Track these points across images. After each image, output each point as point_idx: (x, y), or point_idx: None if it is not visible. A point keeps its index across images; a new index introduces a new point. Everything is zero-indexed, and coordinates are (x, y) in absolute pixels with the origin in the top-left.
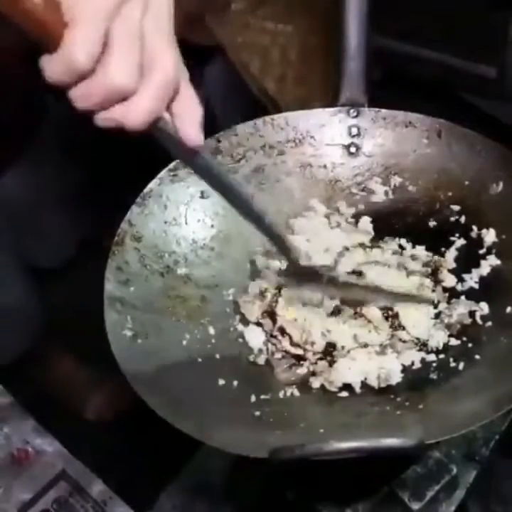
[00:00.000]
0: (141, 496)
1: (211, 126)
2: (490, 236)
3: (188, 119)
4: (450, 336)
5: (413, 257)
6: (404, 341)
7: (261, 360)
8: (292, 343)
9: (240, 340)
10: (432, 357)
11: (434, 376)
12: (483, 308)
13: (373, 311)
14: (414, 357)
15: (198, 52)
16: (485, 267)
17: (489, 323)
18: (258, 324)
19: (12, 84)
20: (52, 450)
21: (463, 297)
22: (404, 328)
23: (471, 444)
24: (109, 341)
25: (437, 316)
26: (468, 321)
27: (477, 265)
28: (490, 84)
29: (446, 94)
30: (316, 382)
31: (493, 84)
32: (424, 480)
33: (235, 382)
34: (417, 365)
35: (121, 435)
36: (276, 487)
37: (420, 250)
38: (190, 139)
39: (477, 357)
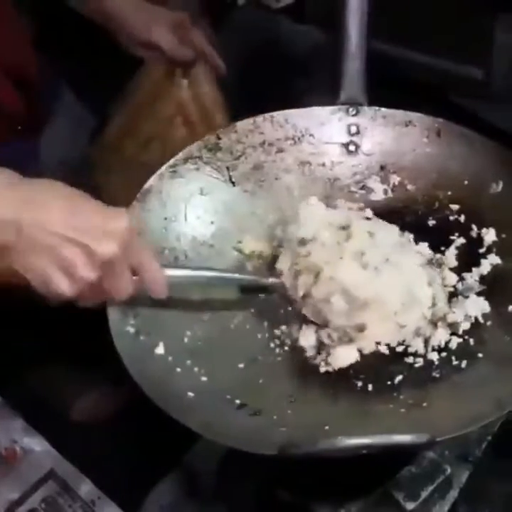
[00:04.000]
0: (129, 496)
1: None
2: (490, 235)
3: (156, 285)
4: (452, 334)
5: None
6: (404, 340)
7: (262, 357)
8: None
9: (242, 337)
10: (434, 355)
11: (436, 374)
12: (485, 306)
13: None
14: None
15: None
16: (485, 266)
17: (491, 322)
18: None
19: (25, 72)
20: (41, 449)
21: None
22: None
23: (465, 444)
24: (106, 340)
25: (439, 314)
26: (469, 319)
27: (477, 264)
28: (477, 85)
29: (434, 96)
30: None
31: (480, 86)
32: (418, 480)
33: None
34: (420, 363)
35: (110, 435)
36: (267, 487)
37: (424, 247)
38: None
39: (480, 355)
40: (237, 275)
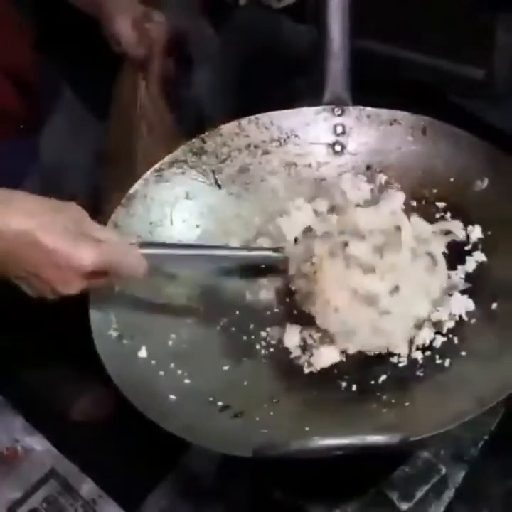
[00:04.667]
0: (129, 495)
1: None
2: (476, 232)
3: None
4: (436, 333)
5: None
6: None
7: (247, 359)
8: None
9: (227, 339)
10: (418, 354)
11: (420, 373)
12: (469, 305)
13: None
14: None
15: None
16: (471, 264)
17: (475, 320)
18: None
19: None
20: (42, 449)
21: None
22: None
23: (460, 444)
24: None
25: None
26: (454, 318)
27: (463, 262)
28: (477, 85)
29: (434, 96)
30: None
31: (480, 86)
32: (413, 480)
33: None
34: (404, 363)
35: (110, 434)
36: (263, 488)
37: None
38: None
39: (463, 353)
40: (243, 252)
